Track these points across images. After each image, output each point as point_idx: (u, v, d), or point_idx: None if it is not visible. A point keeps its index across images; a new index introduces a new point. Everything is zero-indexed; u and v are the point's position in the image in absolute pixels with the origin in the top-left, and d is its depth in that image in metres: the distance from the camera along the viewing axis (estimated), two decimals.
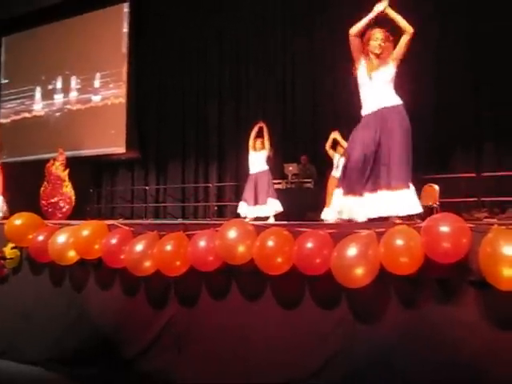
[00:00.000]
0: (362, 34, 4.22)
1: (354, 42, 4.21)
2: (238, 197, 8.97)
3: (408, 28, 4.06)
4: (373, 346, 3.26)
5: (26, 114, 15.86)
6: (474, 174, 9.23)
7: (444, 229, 3.00)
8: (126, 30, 14.08)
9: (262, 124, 8.58)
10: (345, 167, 4.20)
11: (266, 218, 8.21)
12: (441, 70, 9.60)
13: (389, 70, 4.16)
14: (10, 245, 4.73)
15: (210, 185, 13.01)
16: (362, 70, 4.24)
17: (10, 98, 16.15)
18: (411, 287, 3.21)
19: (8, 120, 15.99)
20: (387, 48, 4.18)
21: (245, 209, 8.41)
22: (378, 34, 4.17)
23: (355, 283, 3.20)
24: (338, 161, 8.37)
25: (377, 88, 4.17)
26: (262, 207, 8.32)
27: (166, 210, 13.74)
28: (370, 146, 4.05)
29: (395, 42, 4.18)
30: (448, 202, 8.03)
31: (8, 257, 4.74)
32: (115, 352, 4.13)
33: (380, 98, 4.15)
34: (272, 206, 8.29)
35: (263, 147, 8.53)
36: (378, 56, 4.18)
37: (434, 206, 7.11)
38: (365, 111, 4.24)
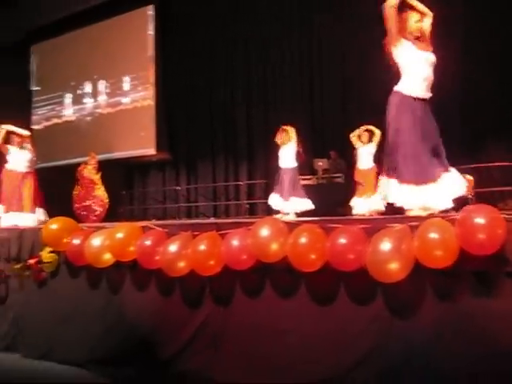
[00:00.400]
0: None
1: (393, 14, 4.03)
2: (269, 194, 8.99)
3: (428, 12, 4.12)
4: (409, 341, 3.23)
5: (57, 120, 16.10)
6: (508, 163, 9.03)
7: (479, 220, 2.96)
8: (151, 32, 14.18)
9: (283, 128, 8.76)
10: (403, 156, 3.92)
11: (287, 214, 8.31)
12: (468, 60, 9.43)
13: (433, 56, 4.11)
14: (48, 249, 4.82)
15: (241, 183, 13.03)
16: (409, 46, 4.07)
17: (41, 104, 16.43)
18: (447, 280, 3.18)
19: (40, 126, 16.26)
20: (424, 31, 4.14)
21: (275, 199, 8.53)
22: (417, 16, 4.11)
23: (390, 278, 3.18)
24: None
25: (427, 71, 4.08)
26: (286, 202, 8.35)
27: (198, 209, 13.81)
28: (423, 134, 3.94)
29: None
30: (482, 192, 7.89)
31: (45, 261, 4.83)
32: (152, 352, 4.18)
33: (428, 86, 4.08)
34: (295, 205, 8.29)
35: (289, 138, 8.54)
36: (418, 38, 4.11)
37: (469, 196, 7.01)
38: (413, 91, 4.03)
